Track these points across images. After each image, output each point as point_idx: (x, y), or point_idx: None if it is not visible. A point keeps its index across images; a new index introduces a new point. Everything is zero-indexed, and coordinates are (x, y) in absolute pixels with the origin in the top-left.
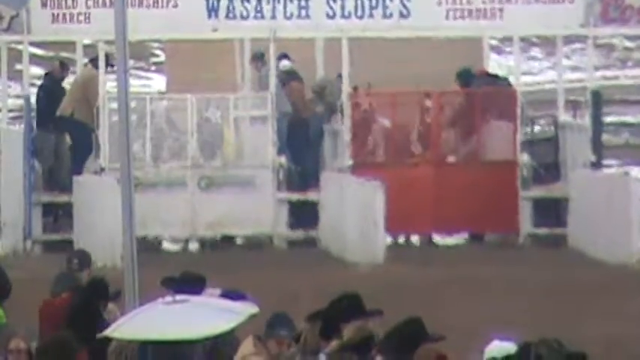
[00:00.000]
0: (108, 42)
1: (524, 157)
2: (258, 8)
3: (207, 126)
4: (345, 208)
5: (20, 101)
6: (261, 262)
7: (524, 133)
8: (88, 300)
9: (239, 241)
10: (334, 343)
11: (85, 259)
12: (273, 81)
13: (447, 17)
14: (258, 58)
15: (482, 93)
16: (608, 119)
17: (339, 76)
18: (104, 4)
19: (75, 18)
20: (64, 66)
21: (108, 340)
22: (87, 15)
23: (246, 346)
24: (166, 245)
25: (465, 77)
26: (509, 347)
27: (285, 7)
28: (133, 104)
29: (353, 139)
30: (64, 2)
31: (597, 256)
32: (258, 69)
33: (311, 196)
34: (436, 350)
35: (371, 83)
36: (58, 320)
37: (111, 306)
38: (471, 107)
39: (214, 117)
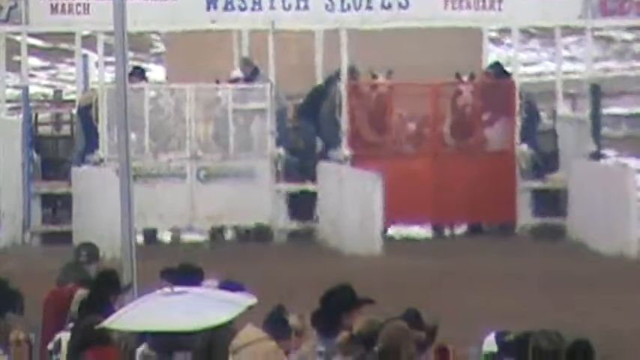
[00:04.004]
0: (107, 33)
1: (523, 149)
2: (257, 0)
3: (205, 117)
4: (344, 200)
5: (18, 92)
6: (259, 253)
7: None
8: (98, 292)
9: (237, 232)
10: (344, 334)
11: (94, 252)
12: (272, 71)
13: (445, 8)
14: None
15: (482, 85)
16: (606, 111)
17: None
18: None
19: (74, 9)
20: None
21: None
22: (86, 6)
23: (254, 333)
24: (165, 236)
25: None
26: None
27: None
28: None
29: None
30: None
31: (595, 246)
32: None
33: (309, 187)
34: (439, 343)
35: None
36: (63, 309)
37: None
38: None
39: (211, 108)
